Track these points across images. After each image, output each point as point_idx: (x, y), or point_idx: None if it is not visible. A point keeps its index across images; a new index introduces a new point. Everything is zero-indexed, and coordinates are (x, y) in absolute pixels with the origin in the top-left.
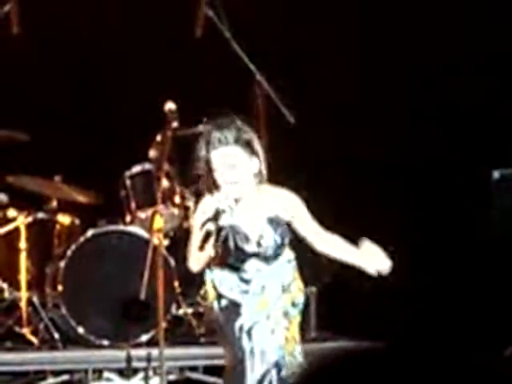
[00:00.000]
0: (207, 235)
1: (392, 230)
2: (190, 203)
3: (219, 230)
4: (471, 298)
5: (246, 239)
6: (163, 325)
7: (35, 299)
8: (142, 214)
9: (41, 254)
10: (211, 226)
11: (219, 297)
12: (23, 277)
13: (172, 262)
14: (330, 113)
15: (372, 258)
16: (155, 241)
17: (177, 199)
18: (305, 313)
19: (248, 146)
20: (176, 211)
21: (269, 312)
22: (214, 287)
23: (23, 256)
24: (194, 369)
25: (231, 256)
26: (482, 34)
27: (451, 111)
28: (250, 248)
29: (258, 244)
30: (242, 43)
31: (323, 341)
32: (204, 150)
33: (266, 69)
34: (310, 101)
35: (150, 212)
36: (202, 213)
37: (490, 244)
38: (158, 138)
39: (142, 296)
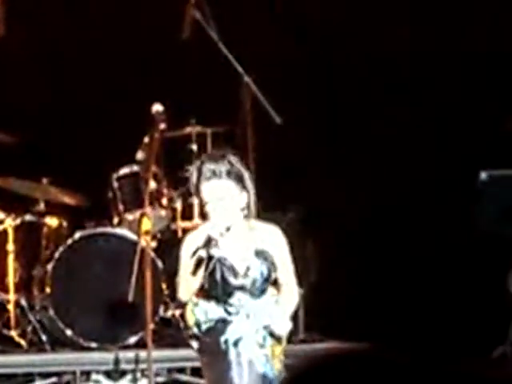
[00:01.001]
0: (199, 262)
1: (380, 233)
2: (178, 205)
3: (208, 259)
4: (459, 300)
5: (233, 271)
6: (151, 326)
7: (23, 301)
8: (129, 216)
9: (28, 256)
10: (203, 253)
11: (198, 324)
12: (11, 279)
13: (160, 263)
14: (316, 113)
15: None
16: (143, 243)
17: (164, 201)
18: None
19: (239, 180)
20: (163, 213)
21: (255, 327)
22: (194, 315)
23: (11, 258)
24: (181, 370)
25: (217, 288)
26: (470, 36)
27: (438, 112)
28: (237, 281)
29: (245, 275)
30: (229, 45)
31: (311, 342)
32: (195, 179)
33: (254, 70)
34: (297, 102)
35: (137, 214)
36: (188, 245)
37: (478, 244)
38: (146, 139)
39: (130, 298)
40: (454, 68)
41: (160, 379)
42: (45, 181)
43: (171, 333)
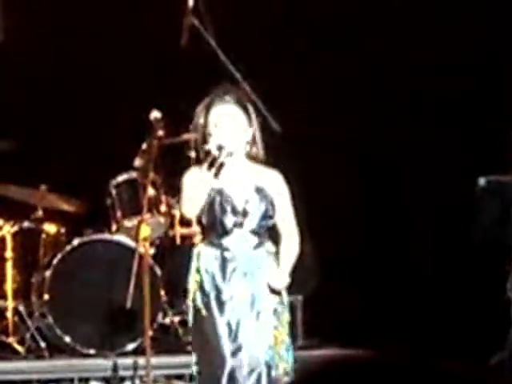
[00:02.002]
0: (213, 160)
1: (380, 240)
2: (176, 212)
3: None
4: (457, 307)
5: (232, 205)
6: (150, 333)
7: (21, 308)
8: (127, 223)
9: (27, 263)
10: (216, 153)
11: (202, 290)
12: (9, 286)
13: (158, 270)
14: (315, 118)
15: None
16: (141, 249)
17: (163, 208)
18: (292, 321)
19: (247, 113)
20: (162, 220)
21: (257, 309)
22: (197, 280)
23: (9, 265)
24: (180, 377)
25: (216, 223)
26: (470, 40)
27: (437, 118)
28: (235, 217)
29: (244, 212)
30: (227, 51)
31: (310, 348)
32: (203, 113)
33: (252, 77)
34: (296, 108)
35: (135, 221)
36: (190, 177)
37: (476, 250)
38: (144, 146)
39: (129, 305)
40: (446, 71)
41: None
42: (43, 188)
43: (170, 339)
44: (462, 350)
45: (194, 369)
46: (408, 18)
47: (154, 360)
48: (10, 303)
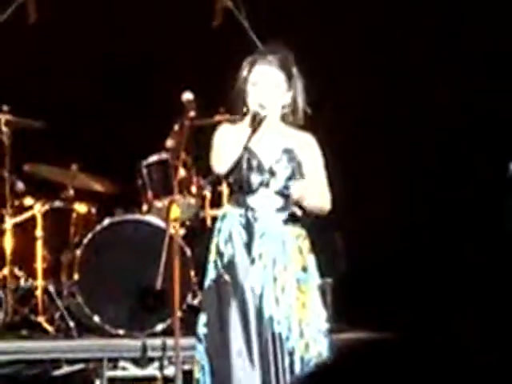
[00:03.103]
0: (254, 116)
1: (409, 225)
2: (207, 193)
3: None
4: (488, 292)
5: (259, 163)
6: (179, 314)
7: (51, 288)
8: (158, 204)
9: (57, 242)
10: (258, 114)
11: (221, 253)
12: (39, 265)
13: (188, 251)
14: (343, 100)
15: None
16: (171, 230)
17: (193, 189)
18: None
19: (289, 77)
20: (192, 201)
21: (277, 277)
22: (217, 242)
23: (39, 244)
24: None
25: (242, 180)
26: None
27: (467, 104)
28: (260, 174)
29: (270, 171)
30: (260, 33)
31: (339, 332)
32: (246, 69)
33: None
34: (327, 90)
35: (166, 201)
36: (223, 132)
37: (505, 237)
38: (176, 127)
39: (158, 285)
40: (477, 57)
41: (187, 367)
42: (74, 167)
43: None
44: (487, 339)
45: (203, 330)
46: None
47: (183, 341)
48: (39, 282)
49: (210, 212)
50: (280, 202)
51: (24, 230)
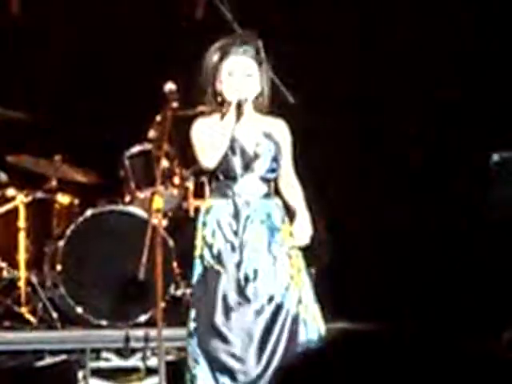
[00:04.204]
0: (239, 106)
1: (395, 217)
2: (190, 184)
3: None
4: (471, 282)
5: (242, 148)
6: (162, 305)
7: (34, 279)
8: (141, 195)
9: (40, 233)
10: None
11: (210, 245)
12: (22, 256)
13: (171, 242)
14: (329, 96)
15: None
16: (154, 221)
17: (176, 180)
18: None
19: (260, 65)
20: (175, 192)
21: (273, 255)
22: (204, 235)
23: (22, 235)
24: None
25: (227, 168)
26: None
27: (449, 93)
28: (244, 159)
29: (255, 154)
30: (243, 25)
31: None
32: (217, 56)
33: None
34: (312, 83)
35: (149, 192)
36: (205, 126)
37: (489, 228)
38: (158, 118)
39: (141, 276)
40: (457, 50)
41: (170, 358)
42: (57, 158)
43: (182, 311)
44: (474, 327)
45: (193, 325)
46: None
47: (166, 332)
48: (22, 273)
49: (192, 203)
50: (264, 188)
51: (6, 221)
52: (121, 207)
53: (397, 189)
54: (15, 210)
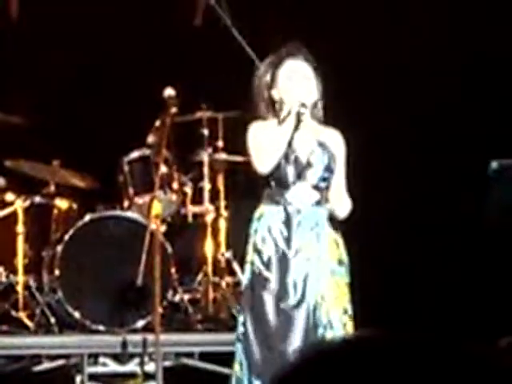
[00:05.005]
0: (298, 114)
1: (391, 224)
2: (188, 189)
3: None
4: (468, 289)
5: (296, 156)
6: (159, 311)
7: (32, 283)
8: (139, 200)
9: (38, 238)
10: (302, 110)
11: (260, 251)
12: (20, 261)
13: (169, 248)
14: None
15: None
16: (153, 226)
17: (175, 185)
18: None
19: (316, 71)
20: (174, 197)
21: (317, 268)
22: (255, 242)
23: (20, 240)
24: (189, 355)
25: (280, 174)
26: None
27: (448, 101)
28: (298, 167)
29: (308, 163)
30: (243, 32)
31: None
32: (271, 67)
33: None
34: None
35: (147, 198)
36: (263, 131)
37: (487, 235)
38: (157, 123)
39: (139, 282)
40: (453, 57)
41: (167, 363)
42: (55, 163)
43: (179, 317)
44: (471, 333)
45: (241, 329)
46: None
47: (164, 337)
48: (20, 278)
49: (191, 208)
50: (316, 195)
51: (5, 226)
52: (119, 212)
53: (395, 195)
54: (14, 215)
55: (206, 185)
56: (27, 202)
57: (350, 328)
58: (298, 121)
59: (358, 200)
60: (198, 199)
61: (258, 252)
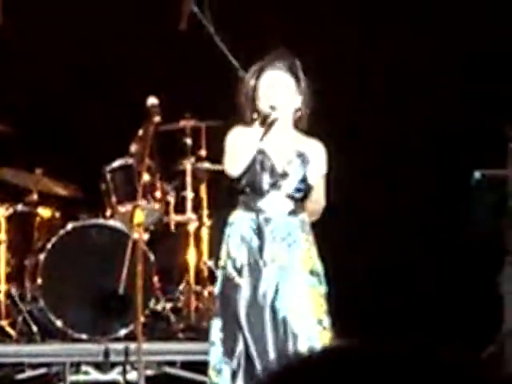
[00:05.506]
0: (264, 118)
1: (377, 230)
2: (171, 198)
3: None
4: (449, 300)
5: (271, 165)
6: (141, 319)
7: (14, 292)
8: (122, 209)
9: (20, 246)
10: (269, 116)
11: (233, 257)
12: (2, 269)
13: (152, 256)
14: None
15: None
16: (135, 235)
17: (158, 194)
18: None
19: (298, 81)
20: (157, 206)
21: (290, 278)
22: (228, 248)
23: (3, 248)
24: (171, 364)
25: (254, 182)
26: (459, 37)
27: (432, 111)
28: (273, 177)
29: (283, 173)
30: (226, 39)
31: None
32: (254, 77)
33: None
34: None
35: (130, 206)
36: (236, 135)
37: (470, 244)
38: (140, 132)
39: (121, 290)
40: (450, 69)
41: (150, 372)
42: (38, 171)
43: (161, 326)
44: (454, 344)
45: (219, 335)
46: None
47: (146, 346)
48: (2, 286)
49: (173, 217)
50: (290, 205)
51: None
52: (102, 221)
53: (380, 203)
54: None
55: (189, 194)
56: (10, 210)
57: (325, 339)
58: (265, 124)
59: (343, 206)
60: (180, 208)
61: (230, 258)
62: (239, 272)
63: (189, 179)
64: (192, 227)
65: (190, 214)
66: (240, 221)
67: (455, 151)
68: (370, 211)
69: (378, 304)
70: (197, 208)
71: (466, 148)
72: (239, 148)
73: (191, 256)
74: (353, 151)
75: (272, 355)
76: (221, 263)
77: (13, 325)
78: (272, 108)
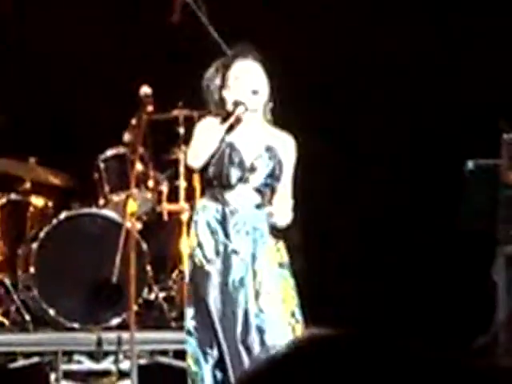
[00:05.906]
0: (227, 114)
1: (365, 224)
2: (164, 187)
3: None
4: (442, 290)
5: (240, 158)
6: (134, 308)
7: (7, 281)
8: (115, 198)
9: (13, 235)
10: (240, 110)
11: (201, 244)
12: None
13: (144, 245)
14: (304, 96)
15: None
16: (128, 224)
17: (150, 183)
18: None
19: (267, 72)
20: (149, 195)
21: (256, 271)
22: (196, 234)
23: None
24: (164, 353)
25: (222, 175)
26: (453, 33)
27: (424, 101)
28: (241, 170)
29: (251, 167)
30: (219, 30)
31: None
32: (221, 70)
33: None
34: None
35: (123, 196)
36: (202, 127)
37: (463, 235)
38: (133, 121)
39: (114, 279)
40: (427, 55)
41: (142, 361)
42: (31, 160)
43: (154, 315)
44: (446, 334)
45: (192, 323)
46: None
47: (138, 335)
48: None
49: (166, 206)
50: (258, 198)
51: None
52: (95, 210)
53: (369, 197)
54: None
55: (182, 183)
56: (3, 199)
57: (298, 331)
58: (229, 118)
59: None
60: (173, 197)
61: (199, 245)
62: (208, 259)
63: (182, 168)
64: (185, 216)
65: (182, 203)
66: (206, 210)
67: (448, 141)
68: (360, 201)
69: (367, 295)
70: (190, 197)
71: (459, 138)
72: (203, 140)
73: (184, 245)
74: (343, 141)
75: (240, 346)
76: (189, 251)
77: (5, 314)
78: (236, 104)
